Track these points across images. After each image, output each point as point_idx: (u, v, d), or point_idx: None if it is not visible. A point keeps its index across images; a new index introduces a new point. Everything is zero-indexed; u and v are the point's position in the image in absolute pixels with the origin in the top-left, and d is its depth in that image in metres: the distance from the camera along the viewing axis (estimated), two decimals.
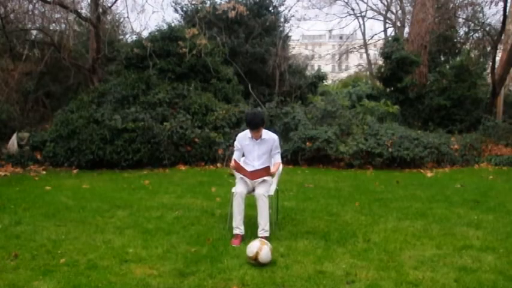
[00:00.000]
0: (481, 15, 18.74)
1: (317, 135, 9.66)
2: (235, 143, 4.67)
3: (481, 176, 8.53)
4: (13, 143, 10.14)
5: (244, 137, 4.62)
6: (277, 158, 4.61)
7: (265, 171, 4.37)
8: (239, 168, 4.40)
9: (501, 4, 14.83)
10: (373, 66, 25.68)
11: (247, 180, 4.46)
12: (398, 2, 23.93)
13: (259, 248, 3.58)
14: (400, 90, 13.75)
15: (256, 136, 4.52)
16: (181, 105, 10.47)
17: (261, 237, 4.14)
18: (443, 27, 17.30)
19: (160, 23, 25.00)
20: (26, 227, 4.68)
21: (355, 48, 30.40)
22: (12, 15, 11.80)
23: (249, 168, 4.41)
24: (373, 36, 29.15)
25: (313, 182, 7.69)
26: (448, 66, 16.03)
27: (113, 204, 5.80)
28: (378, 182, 7.78)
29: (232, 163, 4.49)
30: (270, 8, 14.85)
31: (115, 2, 16.16)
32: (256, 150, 4.53)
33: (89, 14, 12.29)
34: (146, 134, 9.39)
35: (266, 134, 4.59)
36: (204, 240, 4.22)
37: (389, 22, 26.80)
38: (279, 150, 4.68)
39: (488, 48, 17.87)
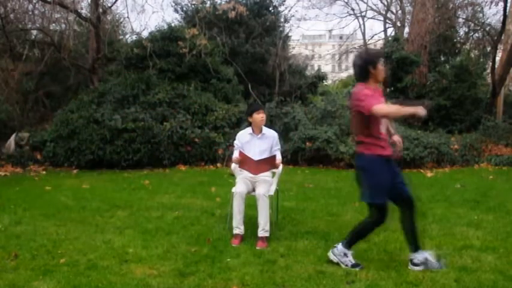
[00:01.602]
0: (481, 15, 18.78)
1: (317, 135, 9.65)
2: (235, 141, 4.67)
3: (481, 176, 8.52)
4: (10, 143, 10.12)
5: (244, 134, 4.64)
6: (278, 155, 4.62)
7: (270, 161, 4.39)
8: (244, 159, 4.37)
9: (501, 4, 14.86)
10: None
11: (248, 180, 4.46)
12: (398, 2, 23.93)
13: None
14: (400, 90, 13.74)
15: (258, 127, 4.56)
16: (181, 105, 10.47)
17: (261, 237, 4.14)
18: (443, 27, 17.30)
19: (160, 23, 25.08)
20: (26, 227, 4.68)
21: (355, 48, 30.39)
22: (12, 15, 11.80)
23: (250, 167, 4.39)
24: (373, 36, 29.23)
25: (313, 182, 7.69)
26: (448, 66, 16.02)
27: (113, 204, 5.80)
28: None
29: (236, 155, 4.49)
30: (270, 8, 14.84)
31: (115, 2, 16.20)
32: (257, 146, 4.54)
33: (89, 14, 12.29)
34: (146, 134, 9.39)
35: (266, 130, 4.63)
36: (204, 240, 4.22)
37: (389, 22, 26.83)
38: (279, 147, 4.71)
39: (488, 48, 17.88)
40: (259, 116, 4.56)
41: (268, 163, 4.41)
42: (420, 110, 3.16)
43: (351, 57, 35.30)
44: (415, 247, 3.53)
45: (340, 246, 3.57)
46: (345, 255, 3.53)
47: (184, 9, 14.74)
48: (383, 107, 3.27)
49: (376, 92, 3.40)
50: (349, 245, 3.56)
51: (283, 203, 5.71)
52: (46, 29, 12.17)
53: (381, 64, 3.42)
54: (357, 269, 3.46)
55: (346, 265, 3.50)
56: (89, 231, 4.53)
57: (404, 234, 3.60)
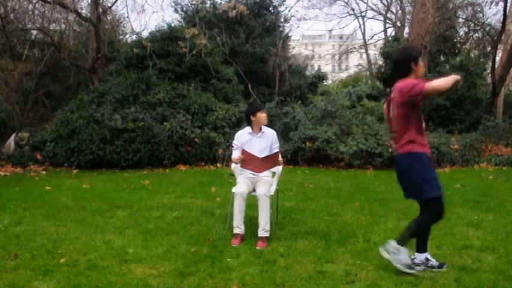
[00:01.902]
0: (481, 15, 18.78)
1: (317, 135, 9.66)
2: (234, 141, 4.66)
3: (481, 176, 8.52)
4: (10, 144, 10.12)
5: (243, 133, 4.63)
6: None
7: (274, 159, 4.42)
8: (248, 158, 4.35)
9: (501, 4, 14.87)
10: (373, 66, 25.71)
11: (248, 180, 4.46)
12: (398, 2, 23.94)
13: None
14: None
15: (260, 126, 4.57)
16: (181, 105, 10.48)
17: (261, 237, 4.14)
18: (443, 27, 17.29)
19: (160, 23, 25.04)
20: (26, 227, 4.67)
21: (355, 48, 30.45)
22: (12, 15, 11.80)
23: (254, 165, 4.38)
24: (373, 36, 29.27)
25: (313, 182, 7.69)
26: (448, 66, 16.02)
27: (112, 204, 5.79)
28: (377, 182, 7.78)
29: (235, 155, 4.50)
30: (270, 8, 14.85)
31: (115, 2, 16.24)
32: (257, 145, 4.53)
33: (89, 14, 12.29)
34: (146, 134, 9.40)
35: (265, 129, 4.65)
36: (204, 240, 4.22)
37: (389, 22, 26.84)
38: (278, 145, 4.72)
39: (488, 48, 17.88)
40: (263, 115, 4.59)
41: (271, 160, 4.43)
42: (458, 76, 3.17)
43: (351, 57, 35.41)
44: (423, 249, 3.52)
45: (393, 242, 3.38)
46: (399, 251, 3.35)
47: (184, 9, 14.75)
48: (434, 82, 3.16)
49: None
50: (404, 241, 3.39)
51: (283, 203, 5.72)
52: (46, 29, 12.17)
53: (421, 60, 3.40)
54: (413, 271, 3.31)
55: (402, 264, 3.32)
56: (89, 231, 4.53)
57: (418, 234, 3.55)
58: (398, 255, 3.34)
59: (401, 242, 3.39)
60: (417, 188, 3.35)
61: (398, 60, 3.45)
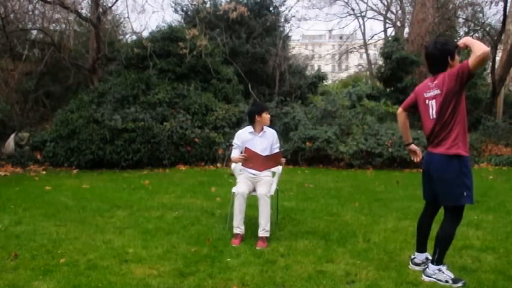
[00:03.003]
0: (481, 15, 18.78)
1: (317, 135, 9.66)
2: (234, 140, 4.66)
3: (481, 176, 8.52)
4: (9, 143, 10.12)
5: (244, 133, 4.63)
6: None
7: (276, 157, 4.42)
8: (251, 156, 4.34)
9: (501, 4, 14.87)
10: (373, 66, 25.69)
11: (249, 180, 4.46)
12: (398, 2, 23.94)
13: None
14: (400, 90, 13.75)
15: (260, 126, 4.58)
16: (181, 105, 10.48)
17: (261, 237, 4.14)
18: (443, 27, 17.30)
19: (160, 23, 25.03)
20: (26, 227, 4.68)
21: (355, 48, 30.43)
22: (12, 15, 11.80)
23: (257, 164, 4.37)
24: (373, 36, 29.23)
25: (313, 182, 7.69)
26: None
27: (113, 204, 5.80)
28: (377, 182, 7.78)
29: (235, 155, 4.49)
30: (271, 8, 14.85)
31: (115, 2, 16.26)
32: (258, 144, 4.53)
33: (89, 14, 12.30)
34: (146, 134, 9.40)
35: (266, 128, 4.67)
36: (204, 240, 4.22)
37: (389, 22, 26.82)
38: (279, 144, 4.74)
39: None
40: (268, 116, 4.63)
41: (274, 159, 4.43)
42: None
43: (351, 57, 35.39)
44: (423, 248, 3.52)
45: (431, 265, 3.30)
46: (440, 271, 3.26)
47: (184, 9, 14.74)
48: (472, 54, 3.01)
49: None
50: (440, 259, 3.28)
51: (283, 203, 5.72)
52: (46, 29, 12.17)
53: (457, 54, 3.31)
54: (459, 284, 3.18)
55: (446, 281, 3.20)
56: (89, 231, 4.53)
57: (420, 233, 3.55)
58: (442, 274, 3.26)
59: (438, 260, 3.29)
60: (455, 193, 3.21)
61: (434, 56, 3.31)
